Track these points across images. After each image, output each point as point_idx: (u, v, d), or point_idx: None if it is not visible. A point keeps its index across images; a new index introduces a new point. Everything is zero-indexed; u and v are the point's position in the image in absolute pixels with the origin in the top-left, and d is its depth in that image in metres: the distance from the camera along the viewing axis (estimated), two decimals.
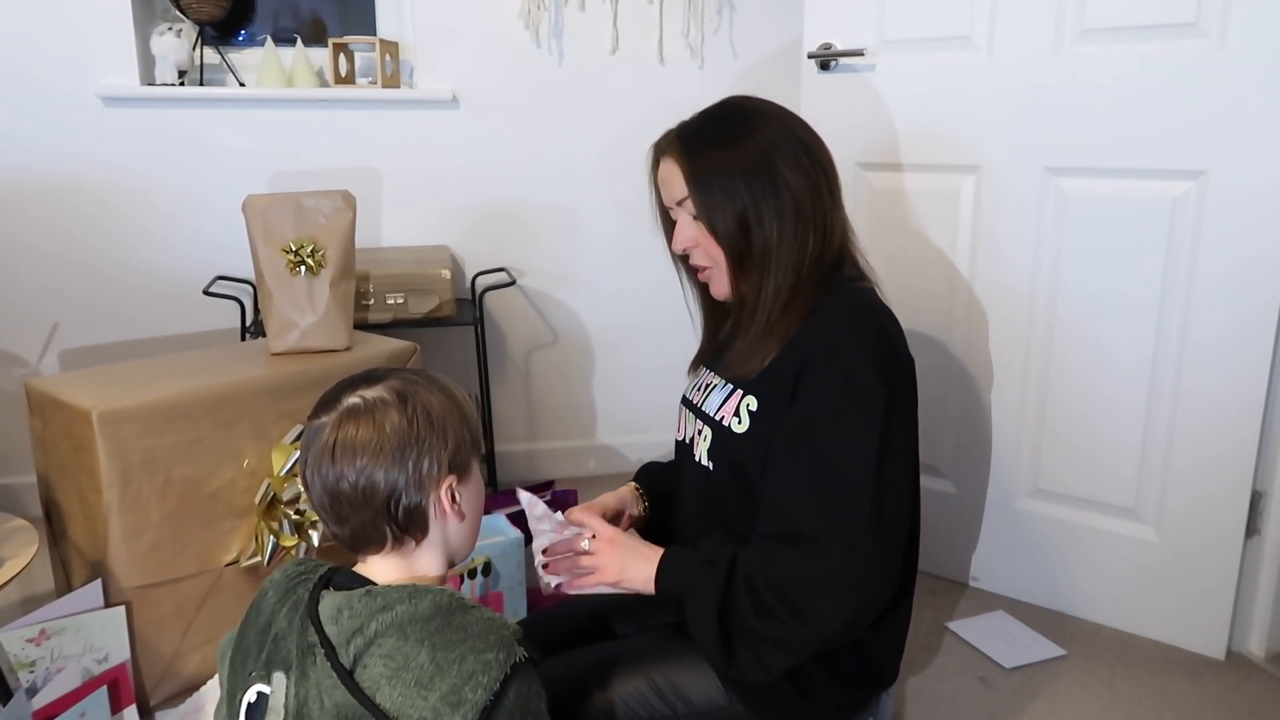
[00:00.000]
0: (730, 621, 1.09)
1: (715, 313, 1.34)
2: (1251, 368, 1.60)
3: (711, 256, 1.20)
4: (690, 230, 1.20)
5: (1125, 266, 1.70)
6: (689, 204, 1.19)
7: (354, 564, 0.94)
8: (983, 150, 1.81)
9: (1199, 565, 1.71)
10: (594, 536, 1.19)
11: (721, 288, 1.23)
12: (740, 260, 1.18)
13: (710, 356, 1.34)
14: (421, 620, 0.81)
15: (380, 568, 0.91)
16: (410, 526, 0.90)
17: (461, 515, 0.93)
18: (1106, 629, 1.83)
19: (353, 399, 0.88)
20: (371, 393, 0.89)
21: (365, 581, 0.89)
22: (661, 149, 1.23)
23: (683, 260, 1.27)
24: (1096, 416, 1.78)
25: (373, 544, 0.91)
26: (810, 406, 1.10)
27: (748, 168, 1.15)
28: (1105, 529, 1.81)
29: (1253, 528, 1.68)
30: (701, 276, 1.25)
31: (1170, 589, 1.75)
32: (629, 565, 1.17)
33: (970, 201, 1.85)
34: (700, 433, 1.25)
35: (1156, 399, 1.71)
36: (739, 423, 1.18)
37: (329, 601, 0.84)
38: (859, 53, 1.90)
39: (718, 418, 1.22)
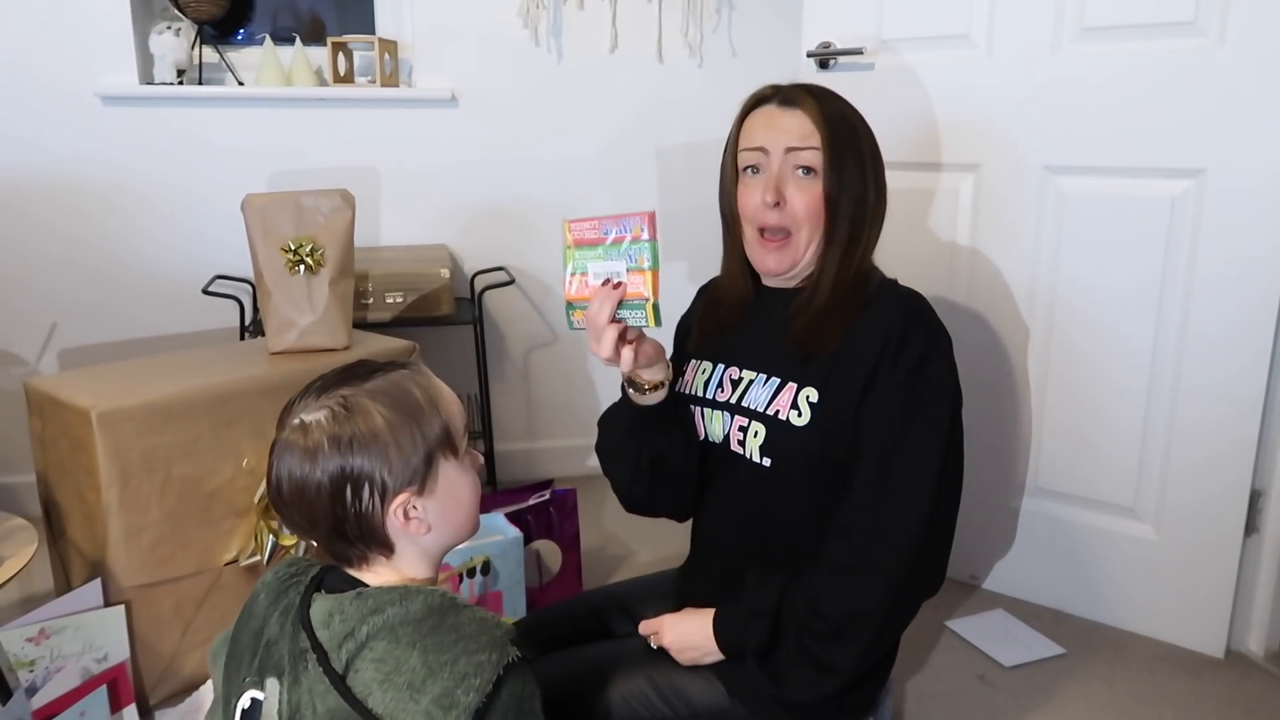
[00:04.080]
0: (780, 659, 1.12)
1: (730, 307, 1.28)
2: (1250, 366, 1.60)
3: (798, 219, 1.16)
4: (790, 185, 1.15)
5: (1124, 265, 1.70)
6: (807, 156, 1.15)
7: None
8: (982, 149, 1.81)
9: (1198, 564, 1.71)
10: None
11: (789, 258, 1.18)
12: (832, 229, 1.17)
13: (714, 352, 1.28)
14: (413, 622, 0.80)
15: (367, 574, 0.90)
16: (370, 548, 0.88)
17: (427, 528, 0.88)
18: (1106, 627, 1.83)
19: (295, 419, 0.86)
20: (312, 415, 0.85)
21: (357, 583, 0.88)
22: (784, 97, 1.18)
23: (732, 227, 1.23)
24: (1096, 415, 1.78)
25: (342, 560, 0.90)
26: (887, 398, 1.12)
27: (865, 137, 1.20)
28: (1104, 527, 1.81)
29: (1252, 526, 1.68)
30: (768, 240, 1.18)
31: (1169, 588, 1.75)
32: (692, 638, 1.17)
33: (969, 200, 1.85)
34: (745, 429, 1.18)
35: (1155, 397, 1.71)
36: (798, 415, 1.14)
37: (320, 605, 0.84)
38: (858, 51, 1.90)
39: (772, 412, 1.16)
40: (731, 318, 1.28)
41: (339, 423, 0.84)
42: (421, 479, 0.87)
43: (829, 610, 1.09)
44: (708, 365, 1.27)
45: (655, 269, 1.05)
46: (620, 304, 1.07)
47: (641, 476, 1.25)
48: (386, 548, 0.88)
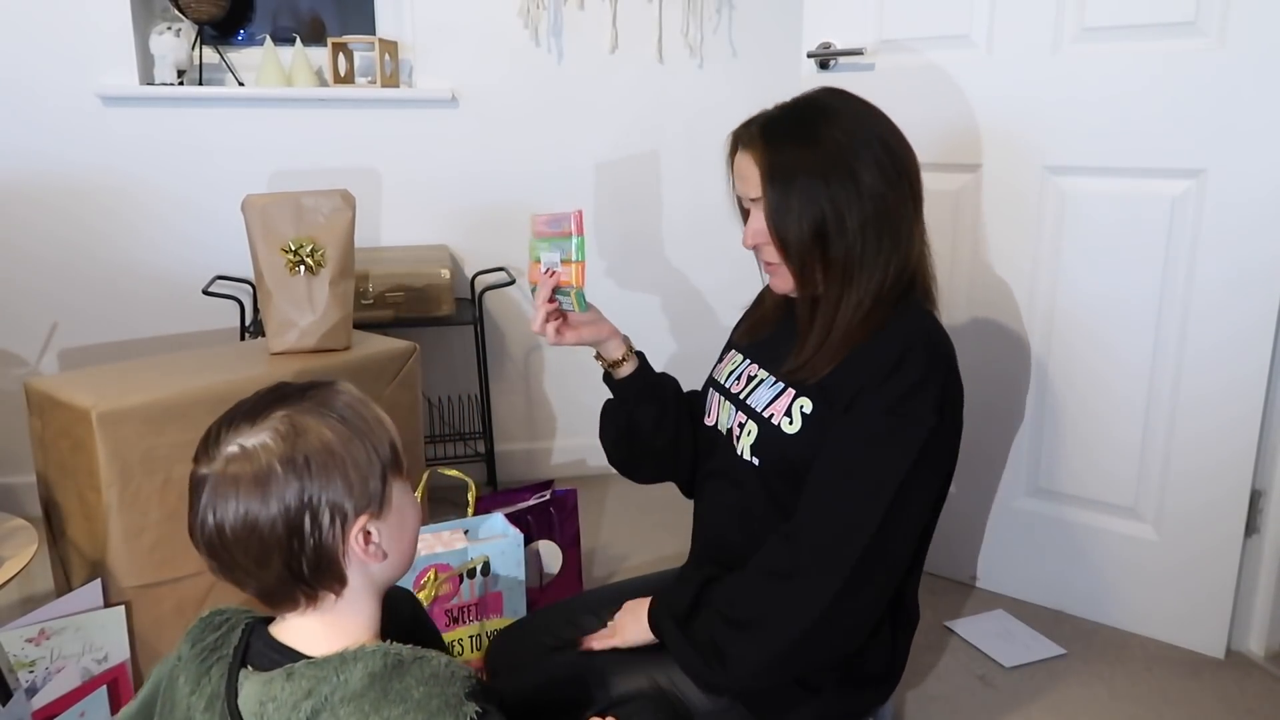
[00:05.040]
0: (697, 627, 1.13)
1: (774, 307, 1.31)
2: (1252, 365, 1.60)
3: (781, 257, 1.17)
4: (761, 226, 1.16)
5: (1125, 264, 1.70)
6: (764, 207, 1.15)
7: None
8: (982, 149, 1.81)
9: (1198, 564, 1.71)
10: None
11: (784, 284, 1.20)
12: (806, 268, 1.15)
13: (749, 347, 1.32)
14: (354, 698, 0.71)
15: (301, 630, 0.80)
16: (322, 584, 0.78)
17: (383, 555, 0.80)
18: (1106, 628, 1.83)
19: (232, 446, 0.75)
20: (253, 439, 0.74)
21: (286, 651, 0.78)
22: (742, 141, 1.18)
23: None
24: (1096, 415, 1.78)
25: (285, 604, 0.79)
26: (858, 419, 1.10)
27: (828, 170, 1.11)
28: (1105, 528, 1.81)
29: (1252, 526, 1.68)
30: (767, 269, 1.23)
31: (1170, 588, 1.75)
32: (628, 631, 1.21)
33: (970, 200, 1.85)
34: (743, 426, 1.22)
35: (1156, 398, 1.71)
36: (790, 422, 1.16)
37: (249, 691, 0.75)
38: (858, 52, 1.90)
39: (766, 414, 1.19)
40: (771, 317, 1.32)
41: (289, 443, 0.74)
42: (379, 500, 0.78)
43: (744, 606, 1.10)
44: (739, 358, 1.32)
45: (581, 261, 1.20)
46: (557, 290, 1.23)
47: (621, 439, 1.37)
48: (340, 582, 0.78)
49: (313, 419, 0.76)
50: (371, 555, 0.79)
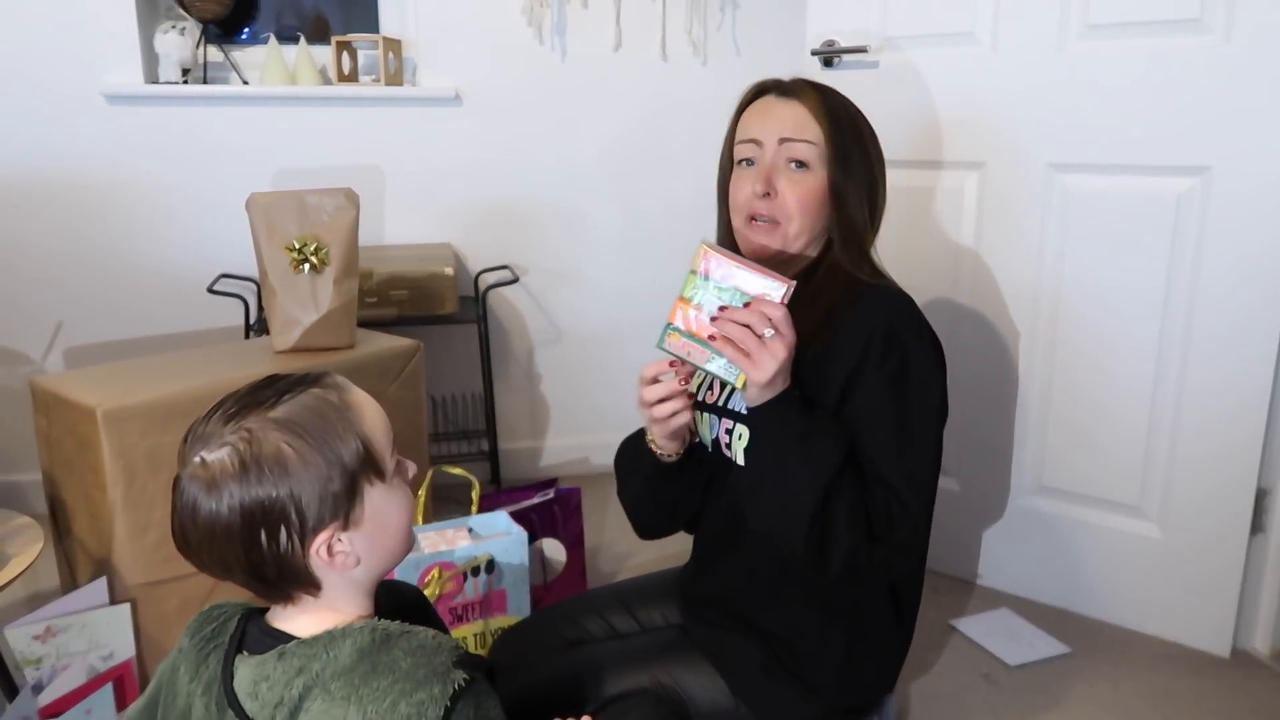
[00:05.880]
0: (831, 508, 1.04)
1: None
2: (1255, 364, 1.60)
3: (788, 211, 1.15)
4: (781, 177, 1.15)
5: (1130, 263, 1.69)
6: (800, 149, 1.15)
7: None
8: (986, 147, 1.81)
9: (1203, 562, 1.70)
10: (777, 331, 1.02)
11: (777, 238, 1.16)
12: (828, 222, 1.17)
13: None
14: (344, 673, 0.74)
15: (293, 620, 0.82)
16: (293, 588, 0.80)
17: (356, 560, 0.80)
18: (1111, 626, 1.83)
19: (196, 457, 0.77)
20: (214, 453, 0.76)
21: (279, 635, 0.80)
22: (788, 91, 1.18)
23: (727, 219, 1.24)
24: (1101, 414, 1.78)
25: (269, 598, 0.82)
26: (875, 391, 1.09)
27: (874, 141, 1.21)
28: (1110, 526, 1.81)
29: (1257, 525, 1.68)
30: (758, 228, 1.17)
31: (1175, 586, 1.75)
32: (775, 382, 1.03)
33: (974, 198, 1.85)
34: (731, 431, 1.18)
35: (1161, 396, 1.70)
36: None
37: (244, 673, 0.78)
38: (862, 49, 1.90)
39: None
40: None
41: (244, 460, 0.75)
42: (345, 512, 0.78)
43: (839, 533, 1.04)
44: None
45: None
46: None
47: (664, 515, 1.29)
48: (313, 586, 0.80)
49: (274, 432, 0.76)
50: (339, 565, 0.79)
